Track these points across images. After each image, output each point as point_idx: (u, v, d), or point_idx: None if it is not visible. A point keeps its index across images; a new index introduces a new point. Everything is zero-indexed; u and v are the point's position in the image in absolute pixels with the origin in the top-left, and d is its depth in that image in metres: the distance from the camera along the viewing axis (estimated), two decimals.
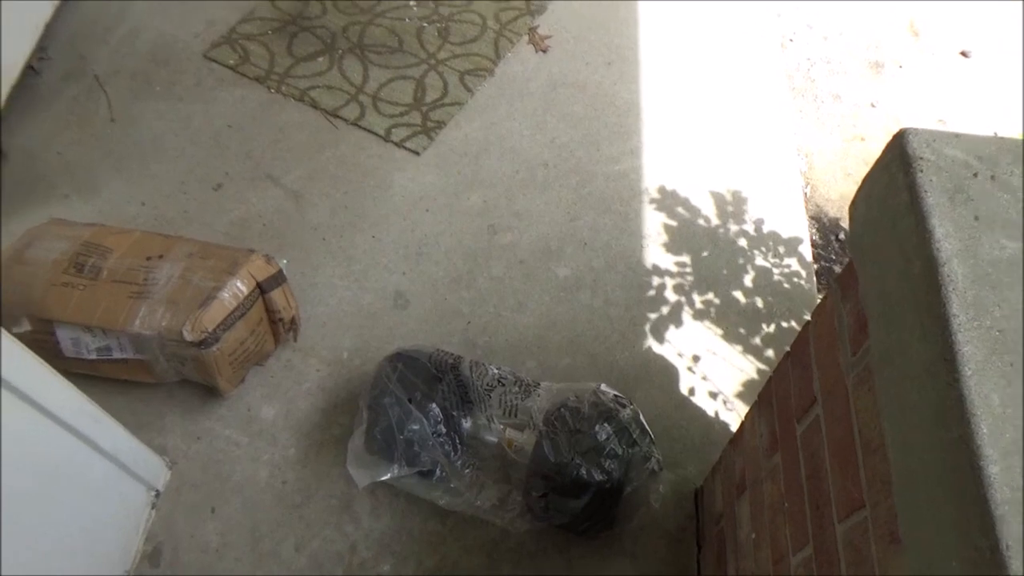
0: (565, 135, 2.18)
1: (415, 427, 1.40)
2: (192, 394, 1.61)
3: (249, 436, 1.57)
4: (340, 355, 1.70)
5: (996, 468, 0.54)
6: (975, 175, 0.70)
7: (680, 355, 1.75)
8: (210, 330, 1.42)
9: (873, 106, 2.47)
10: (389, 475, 1.40)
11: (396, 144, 2.10)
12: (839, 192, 2.23)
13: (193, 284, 1.47)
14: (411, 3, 2.47)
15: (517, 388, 1.49)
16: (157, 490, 1.48)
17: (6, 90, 1.92)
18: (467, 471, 1.45)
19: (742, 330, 1.80)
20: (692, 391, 1.70)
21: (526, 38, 2.43)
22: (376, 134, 2.12)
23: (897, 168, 0.72)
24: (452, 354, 1.53)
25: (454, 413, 1.45)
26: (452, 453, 1.43)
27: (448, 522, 1.48)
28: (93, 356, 1.48)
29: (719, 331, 1.79)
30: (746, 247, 1.96)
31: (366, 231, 1.92)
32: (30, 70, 2.11)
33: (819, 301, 1.84)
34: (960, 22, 2.80)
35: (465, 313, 1.79)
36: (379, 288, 1.82)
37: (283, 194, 1.97)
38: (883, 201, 0.75)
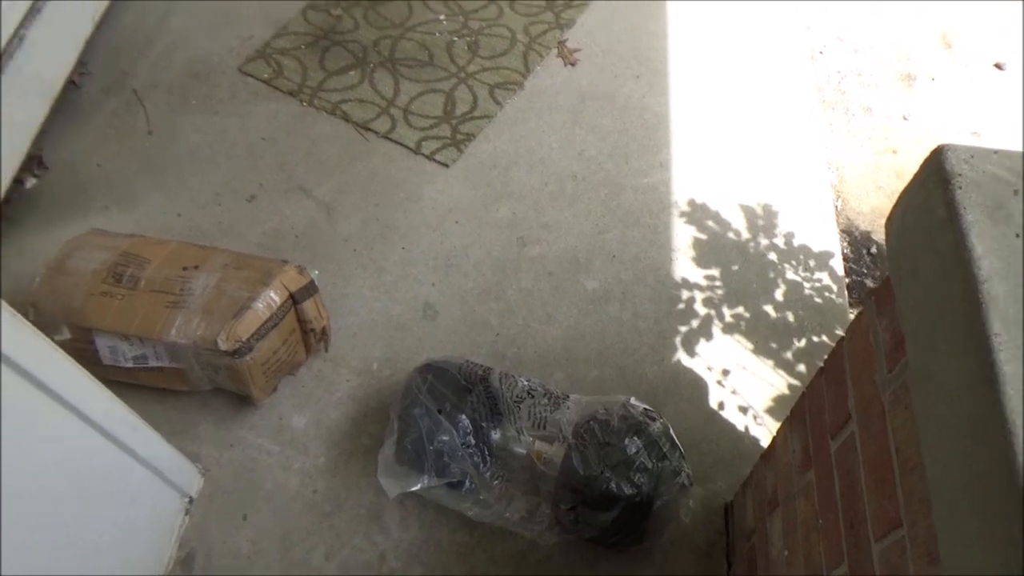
0: (594, 148, 2.18)
1: (445, 438, 1.41)
2: (225, 403, 1.63)
3: (280, 445, 1.59)
4: (370, 365, 1.72)
5: None
6: (1015, 192, 0.70)
7: (709, 369, 1.74)
8: (244, 340, 1.45)
9: (905, 119, 2.45)
10: (419, 485, 1.41)
11: (426, 157, 2.12)
12: (870, 205, 2.21)
13: (228, 294, 1.50)
14: (441, 17, 2.50)
15: (546, 400, 1.49)
16: (190, 496, 1.51)
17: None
18: (496, 483, 1.45)
19: (773, 344, 1.79)
20: (721, 405, 1.69)
21: (555, 51, 2.44)
22: (406, 147, 2.14)
23: (935, 185, 0.72)
24: (481, 365, 1.54)
25: (483, 424, 1.46)
26: (481, 464, 1.44)
27: (476, 533, 1.49)
28: (130, 364, 1.51)
29: (749, 345, 1.78)
30: (776, 261, 1.95)
31: (396, 243, 1.94)
32: (71, 84, 2.16)
33: (852, 316, 1.83)
34: (994, 34, 2.77)
35: (494, 324, 1.80)
36: (409, 299, 1.83)
37: (315, 206, 2.00)
38: (920, 218, 0.75)
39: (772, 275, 1.92)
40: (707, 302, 1.86)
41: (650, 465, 1.37)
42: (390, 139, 2.16)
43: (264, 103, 2.23)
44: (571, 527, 1.39)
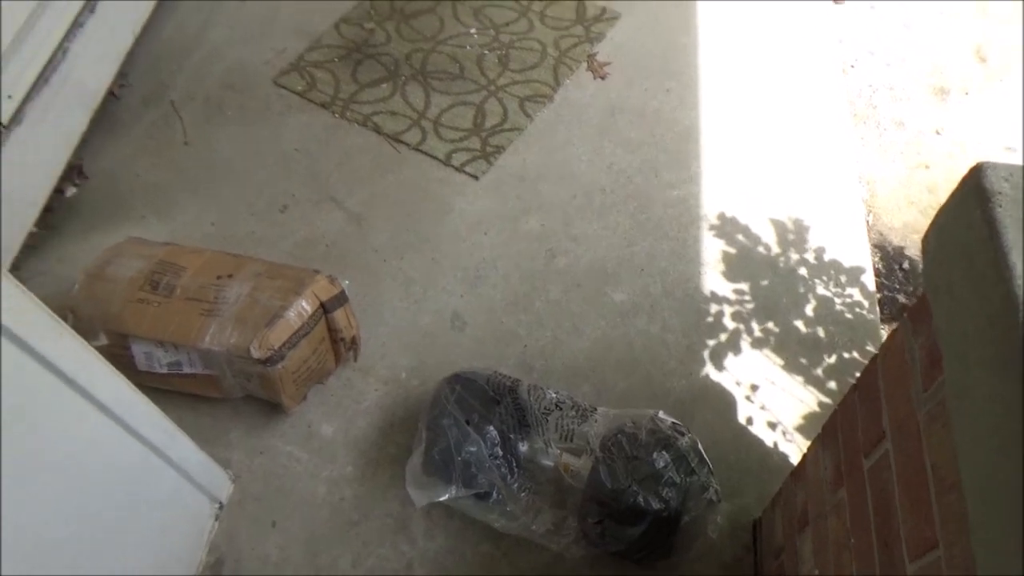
0: (623, 161, 2.19)
1: (472, 449, 1.42)
2: (256, 411, 1.65)
3: (309, 452, 1.61)
4: (398, 375, 1.73)
5: None
6: None
7: (738, 383, 1.73)
8: (276, 348, 1.47)
9: (938, 133, 2.42)
10: (447, 496, 1.42)
11: (456, 168, 2.14)
12: (903, 220, 2.18)
13: (261, 303, 1.52)
14: (472, 31, 2.53)
15: (574, 412, 1.49)
16: (221, 502, 1.52)
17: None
18: (523, 495, 1.45)
19: (803, 360, 1.77)
20: (750, 420, 1.68)
21: (585, 65, 2.45)
22: (437, 158, 2.16)
23: (974, 203, 0.71)
24: (510, 377, 1.54)
25: (511, 436, 1.46)
26: (509, 476, 1.44)
27: (502, 545, 1.49)
28: (164, 370, 1.54)
29: (779, 361, 1.77)
30: (807, 276, 1.93)
31: (426, 253, 1.95)
32: (111, 96, 2.21)
33: (884, 332, 1.81)
34: None
35: (522, 336, 1.81)
36: (437, 309, 1.85)
37: (346, 216, 2.02)
38: (958, 236, 0.74)
39: (802, 290, 1.91)
40: (736, 316, 1.85)
41: (678, 480, 1.36)
42: (421, 151, 2.18)
43: (297, 115, 2.27)
44: (598, 541, 1.39)
